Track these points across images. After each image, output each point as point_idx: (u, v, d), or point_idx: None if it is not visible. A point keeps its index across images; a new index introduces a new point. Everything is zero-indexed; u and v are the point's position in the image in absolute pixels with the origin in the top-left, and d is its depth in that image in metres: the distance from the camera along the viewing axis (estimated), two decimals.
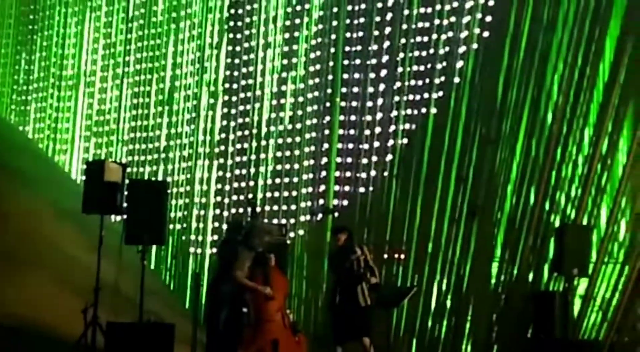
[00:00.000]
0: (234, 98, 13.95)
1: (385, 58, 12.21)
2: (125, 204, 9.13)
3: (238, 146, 13.75)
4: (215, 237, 13.63)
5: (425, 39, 11.84)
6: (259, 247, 9.40)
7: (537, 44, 10.80)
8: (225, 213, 13.67)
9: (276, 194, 12.99)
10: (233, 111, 13.93)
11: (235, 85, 13.97)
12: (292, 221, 12.64)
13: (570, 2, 10.63)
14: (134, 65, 15.64)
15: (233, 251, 9.41)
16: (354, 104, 12.43)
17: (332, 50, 12.78)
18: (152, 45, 15.40)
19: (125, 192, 9.19)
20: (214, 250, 13.29)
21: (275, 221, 12.17)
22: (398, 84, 11.99)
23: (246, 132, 13.70)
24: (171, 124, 14.81)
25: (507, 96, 10.93)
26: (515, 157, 10.77)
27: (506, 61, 11.03)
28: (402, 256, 11.40)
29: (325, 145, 12.59)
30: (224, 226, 13.00)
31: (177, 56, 14.97)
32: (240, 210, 13.42)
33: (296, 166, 12.92)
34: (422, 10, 11.91)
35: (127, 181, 9.32)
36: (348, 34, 12.64)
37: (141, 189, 9.26)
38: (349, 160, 12.31)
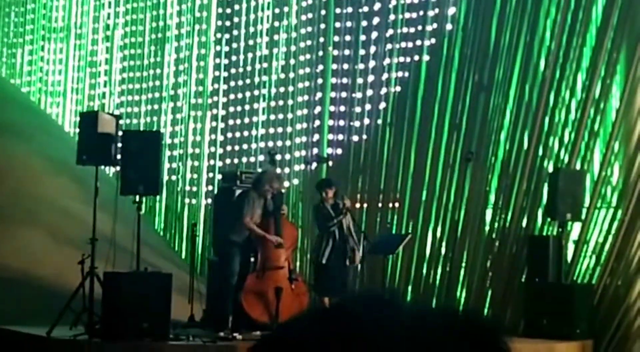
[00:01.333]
0: (226, 48, 13.89)
1: (377, 6, 12.13)
2: (119, 156, 9.12)
3: (231, 96, 13.72)
4: (210, 187, 13.66)
5: None
6: (268, 193, 9.47)
7: None
8: (219, 163, 13.69)
9: (270, 144, 12.99)
10: (225, 61, 13.87)
11: (227, 35, 13.90)
12: (287, 170, 12.66)
13: None
14: (124, 17, 15.53)
15: (244, 197, 9.49)
16: (346, 52, 12.38)
17: None
18: None
19: (119, 144, 9.17)
20: (209, 200, 13.33)
21: None
22: (390, 31, 11.93)
23: (239, 83, 13.66)
24: (163, 75, 14.75)
25: (500, 42, 10.90)
26: (508, 102, 10.77)
27: (499, 6, 10.98)
28: (397, 204, 11.45)
29: (319, 94, 12.56)
30: (218, 176, 13.01)
31: (167, 6, 14.86)
32: (235, 160, 13.44)
33: (289, 116, 12.90)
34: None
35: (120, 133, 9.30)
36: None
37: (135, 140, 9.23)
38: (342, 109, 12.30)
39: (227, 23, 13.90)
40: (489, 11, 11.05)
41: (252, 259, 9.49)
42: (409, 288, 11.21)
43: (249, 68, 13.56)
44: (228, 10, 13.92)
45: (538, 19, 10.66)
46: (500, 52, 10.89)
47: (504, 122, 10.77)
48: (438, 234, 11.05)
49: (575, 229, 10.16)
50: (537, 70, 10.62)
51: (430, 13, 11.61)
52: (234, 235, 9.43)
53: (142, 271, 8.70)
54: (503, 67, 10.85)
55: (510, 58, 10.79)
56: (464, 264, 10.81)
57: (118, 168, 9.56)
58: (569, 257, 10.06)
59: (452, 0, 11.42)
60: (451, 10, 11.43)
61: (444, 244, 11.01)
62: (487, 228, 10.73)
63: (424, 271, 11.11)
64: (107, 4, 15.82)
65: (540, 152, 10.44)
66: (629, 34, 10.18)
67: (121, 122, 9.76)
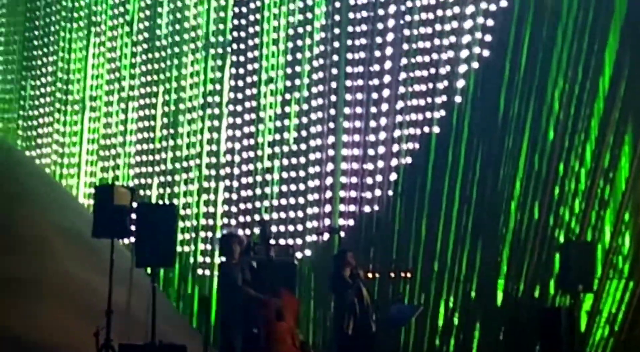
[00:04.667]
0: (239, 120, 14.05)
1: (387, 78, 12.32)
2: (134, 228, 9.22)
3: (244, 168, 13.84)
4: (223, 259, 13.68)
5: (427, 58, 11.95)
6: (237, 254, 9.49)
7: (537, 60, 10.92)
8: None
9: (282, 215, 13.07)
10: (238, 133, 14.02)
11: (239, 107, 14.07)
12: (299, 241, 12.72)
13: (568, 17, 10.76)
14: (138, 89, 15.76)
15: (225, 269, 9.49)
16: (357, 124, 12.53)
17: (335, 71, 12.89)
18: (156, 69, 15.51)
19: (134, 215, 9.28)
20: None
21: (282, 242, 12.25)
22: (400, 104, 12.09)
23: (251, 154, 13.80)
24: (177, 146, 14.91)
25: (509, 113, 11.04)
26: (518, 173, 10.86)
27: (507, 78, 11.14)
28: (409, 275, 11.48)
29: (330, 166, 12.69)
30: None
31: (180, 79, 15.09)
32: (247, 231, 13.50)
33: (301, 187, 13.01)
34: (422, 30, 12.01)
35: (134, 205, 9.41)
36: (350, 56, 12.75)
37: (150, 212, 9.35)
38: (354, 180, 12.41)
39: (239, 95, 14.10)
40: (497, 83, 11.21)
41: (255, 331, 9.36)
42: None
43: (260, 139, 13.71)
44: (240, 83, 14.13)
45: (546, 89, 10.82)
46: (509, 123, 11.03)
47: (514, 193, 10.85)
48: (450, 305, 11.06)
49: (588, 300, 10.15)
50: (546, 140, 10.74)
51: (440, 85, 11.78)
52: (236, 315, 9.33)
53: (157, 342, 8.73)
54: (512, 137, 10.97)
55: (520, 128, 10.92)
56: (476, 336, 10.79)
57: (132, 239, 9.64)
58: (583, 328, 10.03)
59: (461, 73, 11.60)
60: (460, 83, 11.60)
61: (456, 315, 11.00)
62: (499, 299, 10.73)
63: (437, 342, 11.08)
64: (122, 78, 16.07)
65: (551, 222, 10.50)
66: (637, 103, 10.31)
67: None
